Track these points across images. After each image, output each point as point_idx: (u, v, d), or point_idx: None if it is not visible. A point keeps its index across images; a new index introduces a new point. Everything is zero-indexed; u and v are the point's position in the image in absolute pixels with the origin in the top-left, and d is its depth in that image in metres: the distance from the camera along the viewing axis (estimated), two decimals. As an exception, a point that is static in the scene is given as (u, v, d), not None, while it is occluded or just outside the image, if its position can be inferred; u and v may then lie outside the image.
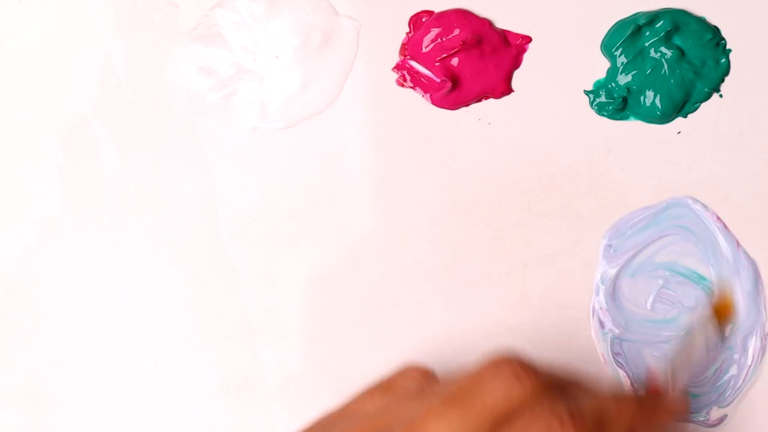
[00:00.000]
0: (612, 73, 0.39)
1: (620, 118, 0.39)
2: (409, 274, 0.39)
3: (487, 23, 0.39)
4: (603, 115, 0.39)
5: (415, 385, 0.30)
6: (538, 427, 0.26)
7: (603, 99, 0.39)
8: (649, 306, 0.38)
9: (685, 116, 0.39)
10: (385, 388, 0.30)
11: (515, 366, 0.27)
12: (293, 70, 0.40)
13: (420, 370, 0.30)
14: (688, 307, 0.38)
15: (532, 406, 0.26)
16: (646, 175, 0.39)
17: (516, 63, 0.39)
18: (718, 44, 0.39)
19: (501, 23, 0.39)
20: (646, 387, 0.32)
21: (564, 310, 0.39)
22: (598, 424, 0.27)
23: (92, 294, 0.40)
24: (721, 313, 0.37)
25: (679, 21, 0.38)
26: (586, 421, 0.26)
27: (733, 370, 0.38)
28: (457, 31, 0.39)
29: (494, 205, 0.39)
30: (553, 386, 0.27)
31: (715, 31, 0.39)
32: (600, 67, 0.39)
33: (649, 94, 0.39)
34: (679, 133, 0.39)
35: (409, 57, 0.40)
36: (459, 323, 0.39)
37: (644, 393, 0.30)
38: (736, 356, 0.38)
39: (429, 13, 0.39)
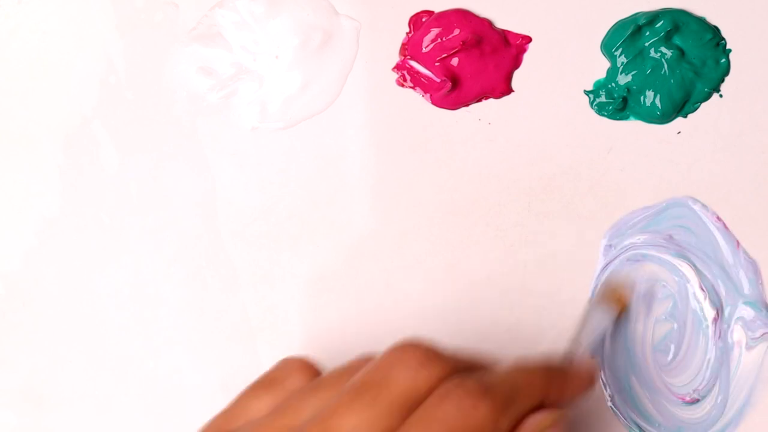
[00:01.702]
0: (612, 73, 0.39)
1: (620, 118, 0.39)
2: (409, 274, 0.39)
3: (487, 23, 0.39)
4: (603, 115, 0.39)
5: (299, 378, 0.29)
6: (449, 405, 0.25)
7: (603, 99, 0.39)
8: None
9: (685, 116, 0.39)
10: (267, 384, 0.29)
11: (418, 351, 0.26)
12: (293, 70, 0.40)
13: (299, 362, 0.30)
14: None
15: (443, 385, 0.26)
16: (646, 175, 0.39)
17: (516, 63, 0.39)
18: (718, 44, 0.39)
19: (501, 23, 0.39)
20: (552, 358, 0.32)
21: (564, 310, 0.39)
22: (510, 396, 0.26)
23: (92, 294, 0.40)
24: (615, 299, 0.38)
25: (679, 21, 0.38)
26: (498, 393, 0.26)
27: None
28: (457, 31, 0.39)
29: (494, 205, 0.39)
30: (460, 368, 0.27)
31: (715, 31, 0.39)
32: (600, 67, 0.39)
33: (649, 94, 0.39)
34: (679, 133, 0.39)
35: (409, 57, 0.40)
36: (459, 323, 0.39)
37: (551, 364, 0.30)
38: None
39: (429, 13, 0.39)
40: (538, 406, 0.28)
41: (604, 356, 0.39)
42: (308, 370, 0.29)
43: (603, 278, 0.39)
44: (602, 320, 0.37)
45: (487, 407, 0.25)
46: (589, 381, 0.32)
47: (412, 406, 0.25)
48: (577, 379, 0.31)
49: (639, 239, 0.38)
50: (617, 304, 0.38)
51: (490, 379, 0.26)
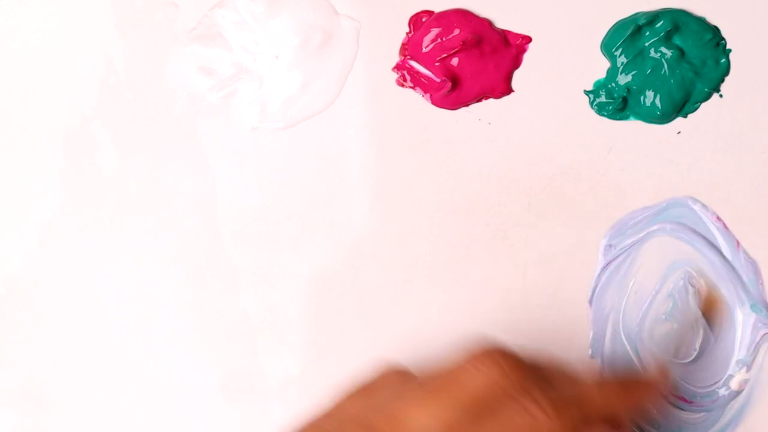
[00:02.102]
0: (612, 73, 0.39)
1: (620, 118, 0.39)
2: (409, 274, 0.39)
3: (487, 23, 0.39)
4: (603, 115, 0.39)
5: (394, 387, 0.29)
6: (522, 418, 0.26)
7: (603, 99, 0.39)
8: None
9: (685, 116, 0.39)
10: (366, 391, 0.30)
11: (497, 356, 0.27)
12: (293, 70, 0.40)
13: (398, 372, 0.30)
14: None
15: (515, 397, 0.26)
16: (646, 175, 0.39)
17: (516, 63, 0.39)
18: (718, 44, 0.39)
19: (501, 23, 0.39)
20: (625, 372, 0.32)
21: (564, 310, 0.39)
22: (581, 411, 0.27)
23: (92, 294, 0.40)
24: (709, 309, 0.37)
25: (679, 21, 0.38)
26: (569, 410, 0.27)
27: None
28: (457, 31, 0.39)
29: (494, 205, 0.39)
30: (536, 376, 0.27)
31: (715, 31, 0.39)
32: (600, 67, 0.39)
33: (649, 94, 0.39)
34: (679, 133, 0.39)
35: (409, 57, 0.40)
36: (459, 323, 0.39)
37: (624, 377, 0.30)
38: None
39: (429, 13, 0.39)
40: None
41: (603, 357, 0.39)
42: (405, 378, 0.30)
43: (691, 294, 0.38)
44: (697, 336, 0.37)
45: (555, 419, 0.26)
46: (662, 393, 0.32)
47: (486, 409, 0.26)
48: (649, 392, 0.32)
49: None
50: (711, 311, 0.38)
51: (563, 394, 0.27)
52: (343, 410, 0.29)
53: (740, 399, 0.38)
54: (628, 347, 0.39)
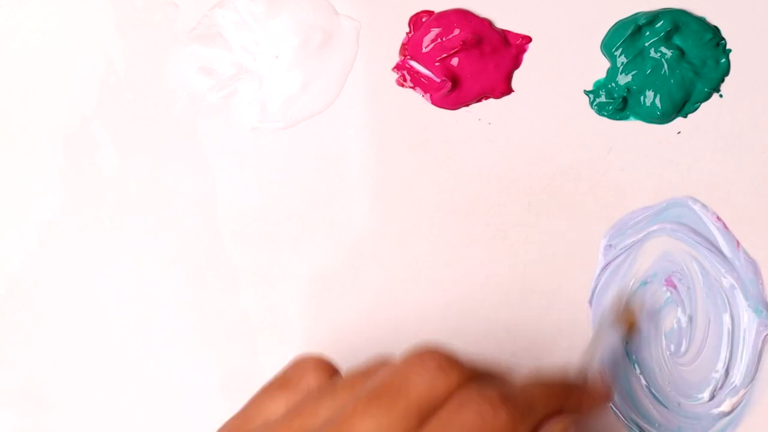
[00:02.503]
0: (612, 73, 0.39)
1: (620, 118, 0.39)
2: (409, 274, 0.39)
3: (487, 23, 0.39)
4: (603, 115, 0.39)
5: (314, 378, 0.29)
6: (469, 413, 0.25)
7: (603, 99, 0.39)
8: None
9: (685, 116, 0.39)
10: (282, 384, 0.29)
11: (437, 357, 0.26)
12: (293, 70, 0.40)
13: (315, 360, 0.29)
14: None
15: (459, 394, 0.26)
16: (646, 175, 0.39)
17: (516, 63, 0.39)
18: (718, 44, 0.39)
19: (501, 23, 0.39)
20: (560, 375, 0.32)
21: (564, 310, 0.39)
22: (528, 406, 0.27)
23: (92, 294, 0.40)
24: (626, 321, 0.38)
25: (679, 21, 0.38)
26: (517, 402, 0.26)
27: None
28: (457, 31, 0.39)
29: (494, 205, 0.39)
30: (479, 376, 0.27)
31: (715, 31, 0.39)
32: (600, 67, 0.39)
33: (649, 94, 0.39)
34: (679, 133, 0.39)
35: (409, 57, 0.40)
36: (459, 323, 0.39)
37: (572, 380, 0.30)
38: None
39: (429, 13, 0.39)
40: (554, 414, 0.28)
41: (603, 358, 0.39)
42: (323, 368, 0.29)
43: (612, 297, 0.39)
44: (612, 339, 0.37)
45: (507, 415, 0.25)
46: (605, 396, 0.32)
47: (430, 411, 0.25)
48: (594, 394, 0.31)
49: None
50: (626, 324, 0.38)
51: (509, 389, 0.27)
52: (261, 408, 0.28)
53: (741, 399, 0.38)
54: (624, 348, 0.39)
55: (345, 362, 0.40)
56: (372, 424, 0.25)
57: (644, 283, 0.38)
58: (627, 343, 0.38)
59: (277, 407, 0.28)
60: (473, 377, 0.26)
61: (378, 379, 0.26)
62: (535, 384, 0.28)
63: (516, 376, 0.29)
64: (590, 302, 0.39)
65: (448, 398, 0.26)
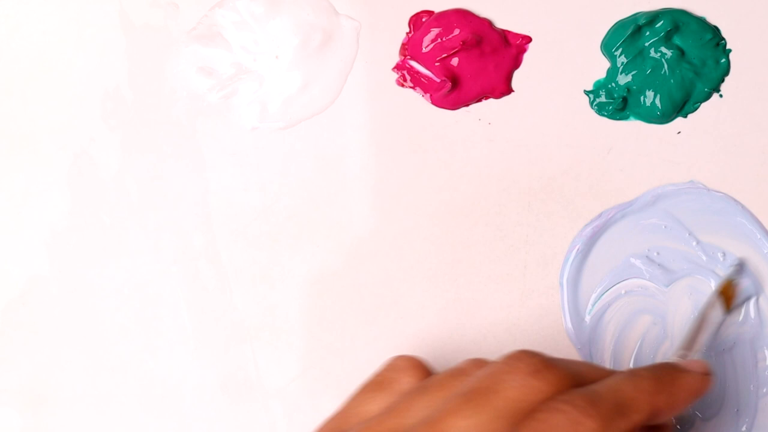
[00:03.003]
0: (612, 73, 0.39)
1: (620, 118, 0.39)
2: (409, 274, 0.39)
3: (487, 23, 0.39)
4: (603, 115, 0.39)
5: (409, 379, 0.29)
6: (558, 418, 0.25)
7: (603, 99, 0.39)
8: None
9: (685, 116, 0.39)
10: (377, 385, 0.29)
11: (532, 361, 0.27)
12: (293, 70, 0.40)
13: (409, 361, 0.30)
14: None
15: (554, 400, 0.26)
16: (646, 175, 0.39)
17: (516, 63, 0.39)
18: (718, 44, 0.39)
19: (501, 23, 0.39)
20: (661, 364, 0.31)
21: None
22: (618, 409, 0.26)
23: (92, 294, 0.40)
24: (726, 295, 0.37)
25: (679, 21, 0.38)
26: (606, 407, 0.26)
27: None
28: (457, 31, 0.39)
29: (494, 205, 0.39)
30: (572, 377, 0.27)
31: (715, 31, 0.39)
32: (600, 67, 0.39)
33: (649, 94, 0.39)
34: (679, 133, 0.39)
35: (409, 57, 0.40)
36: (459, 323, 0.39)
37: (660, 369, 0.29)
38: None
39: (429, 13, 0.39)
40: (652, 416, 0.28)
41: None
42: (418, 369, 0.29)
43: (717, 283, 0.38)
44: (715, 321, 0.36)
45: (595, 422, 0.25)
46: (705, 383, 0.30)
47: (522, 415, 0.26)
48: (692, 383, 0.30)
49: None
50: (728, 303, 0.37)
51: (599, 392, 0.27)
52: (360, 408, 0.29)
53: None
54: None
55: (345, 363, 0.40)
56: (465, 424, 0.25)
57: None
58: (730, 313, 0.37)
59: (373, 407, 0.29)
60: (569, 381, 0.27)
61: (472, 380, 0.27)
62: (627, 381, 0.28)
63: (612, 376, 0.28)
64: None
65: (542, 402, 0.26)
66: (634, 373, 0.28)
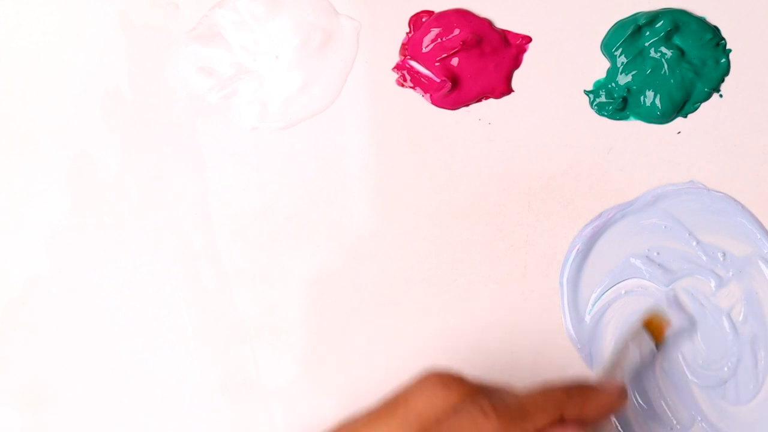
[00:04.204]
0: (612, 73, 0.39)
1: (620, 118, 0.39)
2: (409, 274, 0.39)
3: (487, 23, 0.39)
4: (603, 115, 0.39)
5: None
6: (465, 421, 0.28)
7: (603, 99, 0.39)
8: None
9: (685, 116, 0.39)
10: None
11: (440, 375, 0.29)
12: (293, 70, 0.40)
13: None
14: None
15: (459, 407, 0.28)
16: (646, 175, 0.39)
17: (516, 63, 0.39)
18: (718, 44, 0.39)
19: (501, 23, 0.39)
20: (580, 380, 0.33)
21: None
22: (522, 411, 0.28)
23: (92, 294, 0.40)
24: (654, 328, 0.37)
25: (679, 21, 0.38)
26: (509, 408, 0.28)
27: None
28: (457, 31, 0.39)
29: (494, 205, 0.39)
30: (480, 388, 0.29)
31: (715, 31, 0.39)
32: (600, 67, 0.39)
33: (649, 94, 0.39)
34: (679, 133, 0.39)
35: (409, 57, 0.40)
36: (459, 323, 0.39)
37: (575, 384, 0.31)
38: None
39: (429, 13, 0.39)
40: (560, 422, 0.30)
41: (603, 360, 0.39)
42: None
43: (642, 311, 0.38)
44: (638, 352, 0.36)
45: (498, 419, 0.28)
46: (618, 402, 0.33)
47: (430, 421, 0.28)
48: (606, 398, 0.32)
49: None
50: (657, 336, 0.37)
51: (504, 398, 0.29)
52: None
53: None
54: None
55: (345, 363, 0.40)
56: None
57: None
58: (656, 349, 0.37)
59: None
60: (474, 391, 0.29)
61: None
62: (535, 391, 0.30)
63: (518, 387, 0.30)
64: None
65: (450, 410, 0.28)
66: (547, 385, 0.30)
